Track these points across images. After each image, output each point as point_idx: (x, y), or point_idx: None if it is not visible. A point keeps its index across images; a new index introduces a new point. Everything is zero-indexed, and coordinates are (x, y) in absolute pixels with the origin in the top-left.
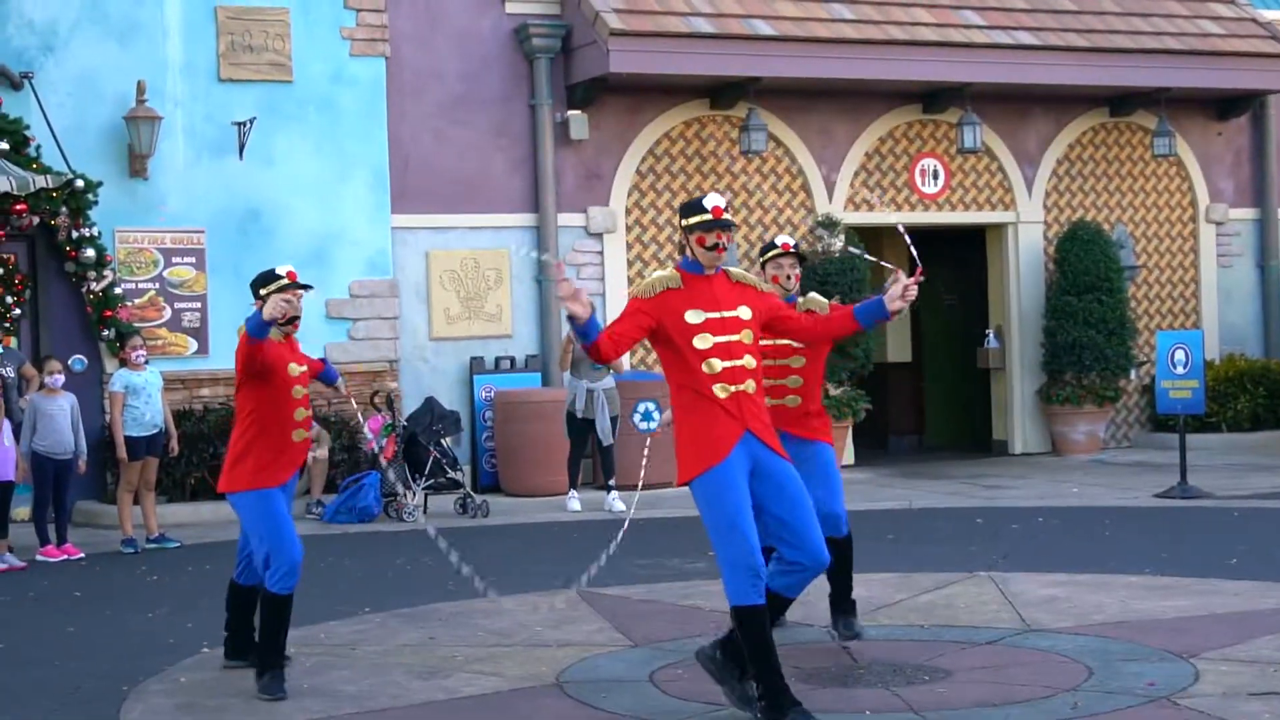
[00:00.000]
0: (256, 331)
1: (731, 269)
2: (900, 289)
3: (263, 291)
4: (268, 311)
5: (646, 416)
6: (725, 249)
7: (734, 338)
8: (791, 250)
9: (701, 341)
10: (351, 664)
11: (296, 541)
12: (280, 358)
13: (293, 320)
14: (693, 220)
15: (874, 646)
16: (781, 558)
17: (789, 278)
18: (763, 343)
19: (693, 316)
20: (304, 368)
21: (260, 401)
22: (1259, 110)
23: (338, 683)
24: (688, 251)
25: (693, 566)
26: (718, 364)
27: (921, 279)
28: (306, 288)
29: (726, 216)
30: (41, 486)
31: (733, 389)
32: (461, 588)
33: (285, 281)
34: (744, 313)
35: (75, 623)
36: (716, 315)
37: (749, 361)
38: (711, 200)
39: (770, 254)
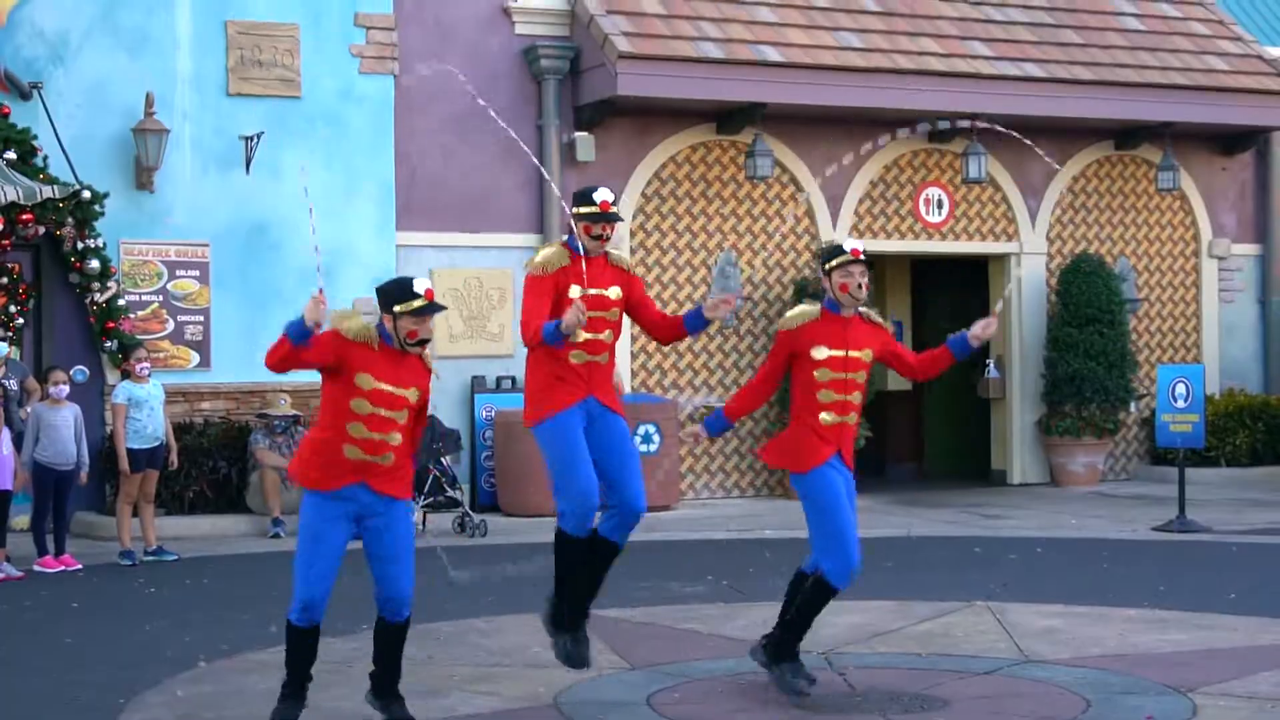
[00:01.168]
0: (296, 336)
1: (612, 251)
2: (717, 302)
3: (396, 309)
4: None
5: (646, 439)
6: (608, 239)
7: (600, 314)
8: (861, 257)
9: None
10: (349, 682)
11: (311, 576)
12: (361, 365)
13: (422, 343)
14: (582, 210)
15: (871, 674)
16: (606, 504)
17: (860, 286)
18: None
19: (572, 291)
20: (401, 391)
21: (325, 398)
22: (1263, 146)
23: (335, 700)
24: (577, 236)
25: (691, 590)
26: (581, 335)
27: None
28: (441, 308)
29: (613, 210)
30: (41, 496)
31: (587, 358)
32: (461, 607)
33: (422, 303)
34: (614, 292)
35: (73, 634)
36: (592, 292)
37: (608, 336)
38: (601, 194)
39: (838, 260)
